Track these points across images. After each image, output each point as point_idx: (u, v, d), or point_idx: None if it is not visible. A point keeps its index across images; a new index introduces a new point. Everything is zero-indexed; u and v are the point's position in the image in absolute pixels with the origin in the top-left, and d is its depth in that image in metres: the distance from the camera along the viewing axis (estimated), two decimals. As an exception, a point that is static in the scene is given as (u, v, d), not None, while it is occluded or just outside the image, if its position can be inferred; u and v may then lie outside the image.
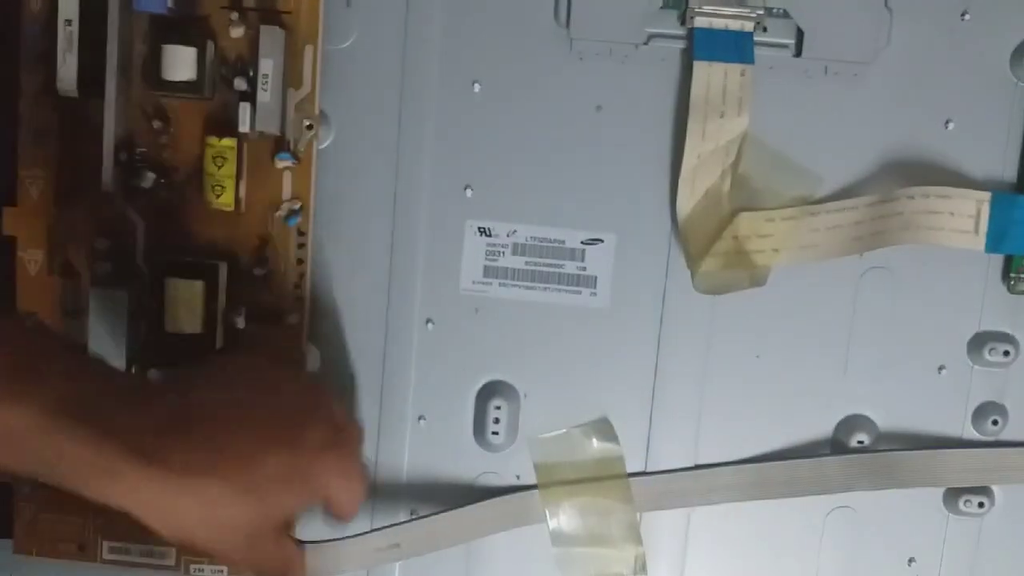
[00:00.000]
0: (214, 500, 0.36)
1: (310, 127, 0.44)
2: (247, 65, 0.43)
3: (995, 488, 0.47)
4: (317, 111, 0.44)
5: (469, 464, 0.47)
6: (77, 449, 0.34)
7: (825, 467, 0.45)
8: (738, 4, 0.43)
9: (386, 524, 0.46)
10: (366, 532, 0.46)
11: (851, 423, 0.46)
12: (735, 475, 0.46)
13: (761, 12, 0.43)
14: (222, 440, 0.36)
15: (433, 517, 0.46)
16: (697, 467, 0.46)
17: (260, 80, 0.42)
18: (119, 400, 0.35)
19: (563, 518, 0.46)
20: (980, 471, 0.46)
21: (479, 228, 0.46)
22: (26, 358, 0.34)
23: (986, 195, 0.44)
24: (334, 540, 0.44)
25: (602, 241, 0.45)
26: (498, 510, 0.46)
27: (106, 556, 0.47)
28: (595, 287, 0.46)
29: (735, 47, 0.43)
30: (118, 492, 0.35)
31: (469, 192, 0.45)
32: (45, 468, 0.34)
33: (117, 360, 0.43)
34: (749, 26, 0.43)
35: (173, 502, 0.35)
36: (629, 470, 0.46)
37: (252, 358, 0.43)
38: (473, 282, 0.46)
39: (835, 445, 0.46)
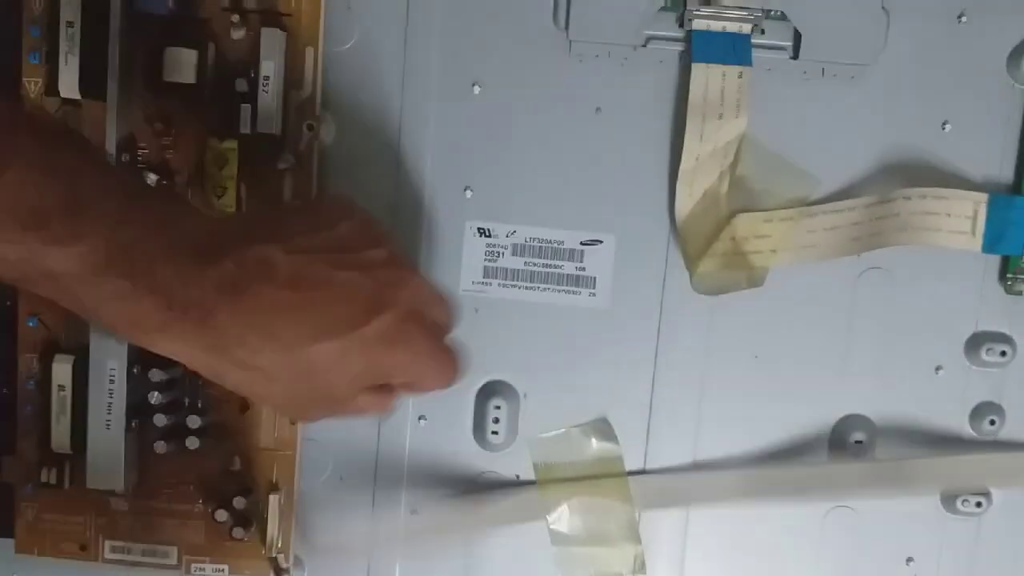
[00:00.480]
0: (255, 375, 0.35)
1: (311, 128, 0.44)
2: (248, 67, 0.43)
3: (992, 488, 0.47)
4: (318, 113, 0.44)
5: (469, 463, 0.47)
6: (117, 303, 0.33)
7: (829, 473, 0.45)
8: (736, 6, 0.43)
9: (387, 523, 0.46)
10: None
11: (849, 423, 0.46)
12: (738, 478, 0.46)
13: (759, 14, 0.43)
14: (271, 316, 0.34)
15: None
16: (696, 465, 0.46)
17: (261, 82, 0.43)
18: (171, 252, 0.33)
19: (562, 517, 0.46)
20: (986, 475, 0.46)
21: (479, 229, 0.46)
22: (78, 196, 0.32)
23: (983, 196, 0.44)
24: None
25: (601, 242, 0.46)
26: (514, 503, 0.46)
27: (108, 556, 0.47)
28: (594, 288, 0.46)
29: (733, 49, 0.43)
30: (161, 344, 0.34)
31: (469, 193, 0.46)
32: (89, 315, 0.34)
33: (118, 359, 0.43)
34: (747, 28, 0.43)
35: (217, 363, 0.35)
36: (628, 469, 0.46)
37: (346, 217, 0.38)
38: (473, 282, 0.46)
39: (833, 445, 0.46)
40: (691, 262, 0.45)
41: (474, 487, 0.47)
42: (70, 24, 0.42)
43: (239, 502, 0.45)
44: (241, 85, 0.43)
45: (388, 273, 0.37)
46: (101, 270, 0.32)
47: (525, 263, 0.46)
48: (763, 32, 0.44)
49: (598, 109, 0.45)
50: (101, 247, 0.32)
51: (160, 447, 0.45)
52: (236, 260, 0.34)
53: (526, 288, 0.46)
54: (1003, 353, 0.45)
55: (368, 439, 0.47)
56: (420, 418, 0.47)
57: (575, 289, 0.46)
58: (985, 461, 0.46)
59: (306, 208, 0.40)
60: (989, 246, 0.44)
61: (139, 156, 0.44)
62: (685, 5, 0.43)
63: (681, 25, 0.44)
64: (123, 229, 0.33)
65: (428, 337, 0.38)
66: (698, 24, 0.43)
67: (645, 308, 0.46)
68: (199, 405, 0.46)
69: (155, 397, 0.44)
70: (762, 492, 0.46)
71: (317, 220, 0.38)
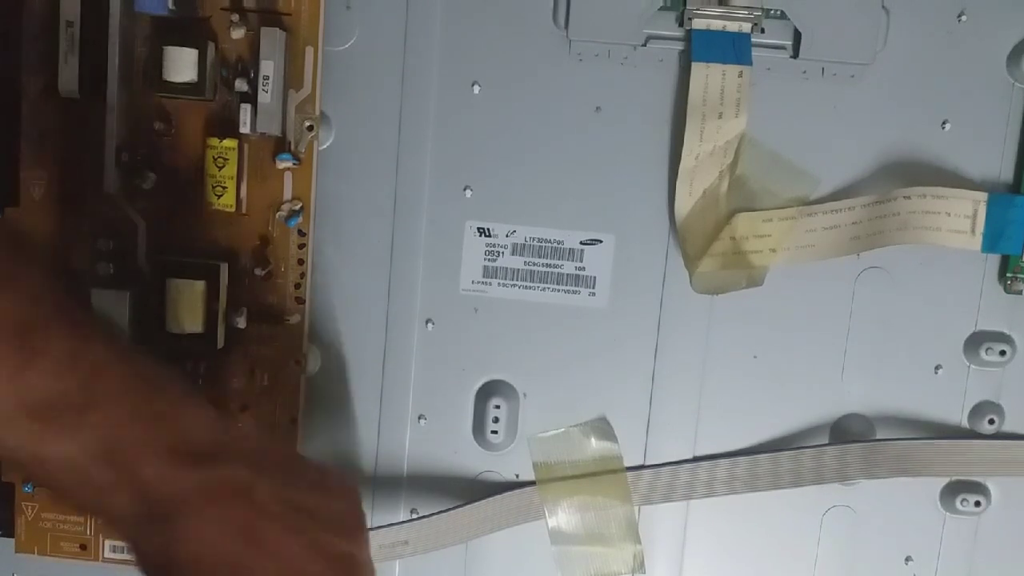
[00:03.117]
0: None
1: (311, 128, 0.44)
2: (248, 66, 0.43)
3: (992, 487, 0.47)
4: (318, 112, 0.44)
5: (469, 463, 0.47)
6: (94, 492, 0.33)
7: (825, 456, 0.45)
8: (736, 6, 0.43)
9: (387, 522, 0.46)
10: (373, 528, 0.45)
11: (848, 422, 0.46)
12: (735, 467, 0.46)
13: (759, 14, 0.43)
14: (215, 547, 0.34)
15: (443, 514, 0.46)
16: (696, 459, 0.47)
17: (261, 81, 0.43)
18: (163, 452, 0.34)
19: (562, 516, 0.46)
20: (981, 463, 0.46)
21: (479, 228, 0.46)
22: (93, 394, 0.33)
23: (983, 195, 0.44)
24: None
25: (601, 241, 0.46)
26: (510, 504, 0.46)
27: (107, 555, 0.47)
28: (594, 287, 0.46)
29: (733, 48, 0.43)
30: (115, 530, 0.35)
31: (469, 192, 0.46)
32: (60, 493, 0.34)
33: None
34: (747, 27, 0.43)
35: (149, 558, 0.35)
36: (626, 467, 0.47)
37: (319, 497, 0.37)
38: (473, 282, 0.46)
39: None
40: (691, 261, 0.45)
41: (474, 487, 0.47)
42: (70, 24, 0.42)
43: (239, 501, 0.45)
44: (241, 85, 0.43)
45: (341, 570, 0.36)
46: (92, 464, 0.33)
47: (525, 263, 0.46)
48: (763, 31, 0.44)
49: (598, 109, 0.45)
50: (99, 443, 0.33)
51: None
52: (223, 473, 0.34)
53: (526, 288, 0.46)
54: (1002, 352, 0.45)
55: (368, 439, 0.47)
56: (420, 417, 0.47)
57: (575, 289, 0.46)
58: (986, 449, 0.46)
59: (316, 468, 0.39)
60: (989, 245, 0.44)
61: (139, 156, 0.44)
62: (685, 4, 0.43)
63: (681, 24, 0.44)
64: (125, 428, 0.33)
65: None
66: (698, 23, 0.43)
67: (645, 308, 0.46)
68: (199, 404, 0.46)
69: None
70: (764, 479, 0.46)
71: (318, 484, 0.37)
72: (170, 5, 0.42)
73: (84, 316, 0.34)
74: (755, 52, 0.44)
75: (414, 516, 0.47)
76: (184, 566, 0.34)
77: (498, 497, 0.46)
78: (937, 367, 0.46)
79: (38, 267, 0.34)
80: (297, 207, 0.45)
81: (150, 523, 0.34)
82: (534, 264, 0.46)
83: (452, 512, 0.45)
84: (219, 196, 0.44)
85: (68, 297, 0.34)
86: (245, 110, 0.43)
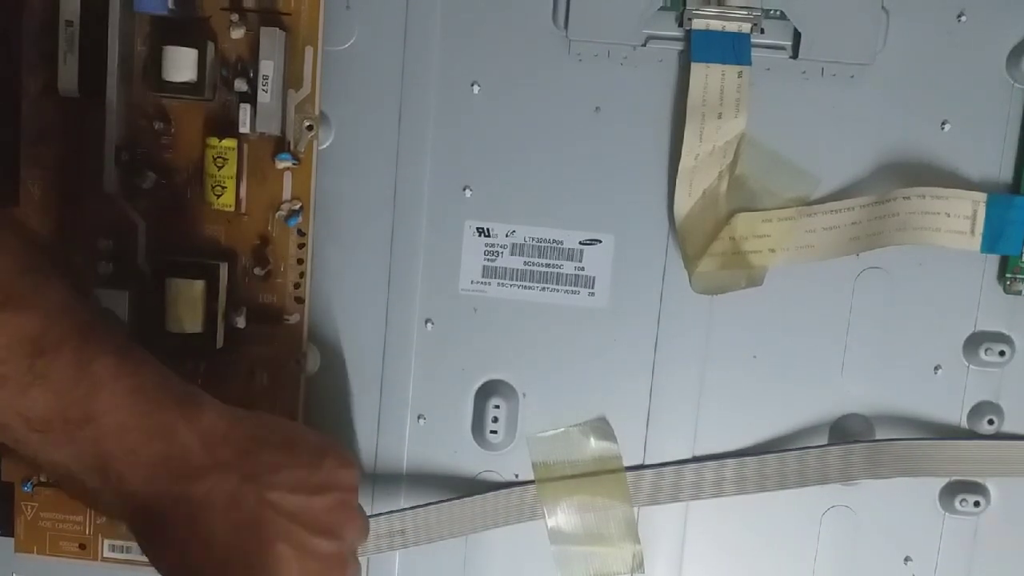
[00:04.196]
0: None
1: (310, 128, 0.44)
2: (247, 66, 0.43)
3: (991, 487, 0.47)
4: (317, 112, 0.44)
5: (468, 463, 0.47)
6: (99, 498, 0.36)
7: (828, 456, 0.45)
8: (736, 6, 0.43)
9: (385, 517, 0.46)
10: (372, 515, 0.45)
11: (847, 423, 0.46)
12: (736, 467, 0.46)
13: (758, 14, 0.43)
14: (197, 556, 0.37)
15: (439, 505, 0.45)
16: (696, 459, 0.47)
17: (260, 81, 0.43)
18: (151, 467, 0.36)
19: (561, 516, 0.46)
20: (981, 463, 0.46)
21: (478, 228, 0.46)
22: (89, 409, 0.35)
23: (982, 196, 0.44)
24: None
25: (600, 242, 0.46)
26: (509, 501, 0.46)
27: (107, 555, 0.47)
28: (593, 287, 0.46)
29: (732, 49, 0.43)
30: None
31: (468, 192, 0.46)
32: (72, 496, 0.38)
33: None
34: (746, 28, 0.43)
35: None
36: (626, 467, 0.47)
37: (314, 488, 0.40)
38: (472, 282, 0.46)
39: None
40: (690, 261, 0.45)
41: (473, 487, 0.47)
42: (70, 24, 0.42)
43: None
44: (241, 84, 0.43)
45: (325, 570, 0.39)
46: (83, 472, 0.36)
47: (524, 263, 0.46)
48: (763, 32, 0.44)
49: (598, 109, 0.45)
50: (90, 456, 0.35)
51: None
52: (211, 487, 0.37)
53: (525, 288, 0.46)
54: (1002, 353, 0.45)
55: (368, 439, 0.47)
56: (419, 417, 0.47)
57: (574, 289, 0.46)
58: (985, 449, 0.46)
59: (314, 448, 0.41)
60: (988, 246, 0.44)
61: (139, 156, 0.44)
62: (685, 4, 0.43)
63: (681, 24, 0.44)
64: (116, 441, 0.35)
65: None
66: (697, 24, 0.43)
67: (644, 308, 0.46)
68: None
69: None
70: (765, 479, 0.46)
71: (312, 476, 0.39)
72: (170, 5, 0.42)
73: (95, 331, 0.36)
74: (755, 52, 0.44)
75: (419, 505, 0.47)
76: (169, 571, 0.37)
77: (497, 493, 0.46)
78: (937, 367, 0.46)
79: (57, 282, 0.35)
80: (297, 207, 0.45)
81: (138, 528, 0.37)
82: (534, 264, 0.46)
83: (449, 503, 0.45)
84: (219, 196, 0.44)
85: (83, 310, 0.36)
86: (245, 110, 0.43)
